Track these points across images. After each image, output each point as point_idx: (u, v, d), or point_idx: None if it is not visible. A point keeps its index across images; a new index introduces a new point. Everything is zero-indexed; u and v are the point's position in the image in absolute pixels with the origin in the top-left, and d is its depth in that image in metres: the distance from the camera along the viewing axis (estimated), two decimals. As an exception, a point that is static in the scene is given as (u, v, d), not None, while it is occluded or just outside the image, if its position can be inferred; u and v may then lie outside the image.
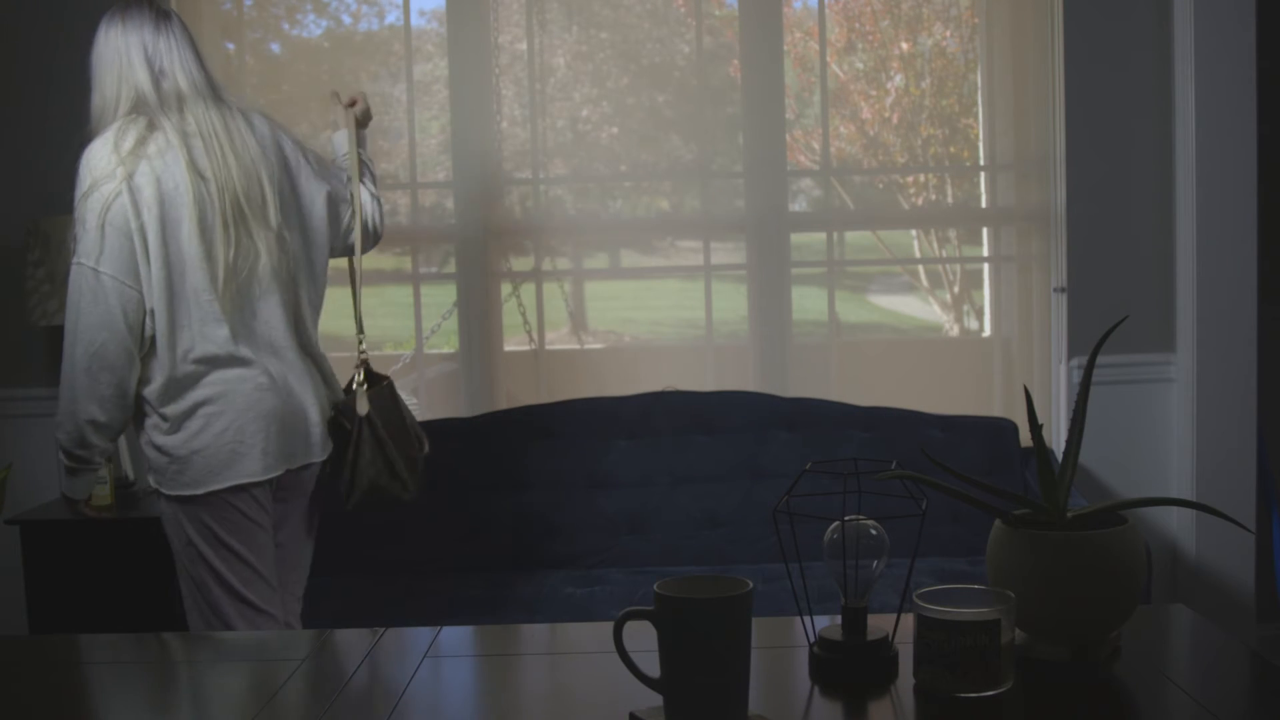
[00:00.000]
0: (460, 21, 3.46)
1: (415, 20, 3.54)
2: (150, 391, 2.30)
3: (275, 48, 3.64)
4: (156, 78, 2.34)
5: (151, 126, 2.29)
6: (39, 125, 3.35)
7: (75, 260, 2.24)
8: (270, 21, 3.61)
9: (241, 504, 2.35)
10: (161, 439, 2.31)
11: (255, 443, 2.32)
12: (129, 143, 2.27)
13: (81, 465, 2.33)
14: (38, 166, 3.35)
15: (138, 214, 2.24)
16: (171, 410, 2.29)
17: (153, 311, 2.26)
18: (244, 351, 2.32)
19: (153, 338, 2.28)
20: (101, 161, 2.26)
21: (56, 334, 3.36)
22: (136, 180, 2.25)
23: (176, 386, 2.29)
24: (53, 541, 3.07)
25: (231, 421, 2.30)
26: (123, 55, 2.33)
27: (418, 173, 3.54)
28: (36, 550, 3.06)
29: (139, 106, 2.32)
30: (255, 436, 2.32)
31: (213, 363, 2.30)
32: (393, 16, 3.59)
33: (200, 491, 2.30)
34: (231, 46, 3.54)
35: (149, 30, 2.35)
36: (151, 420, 2.32)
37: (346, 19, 3.63)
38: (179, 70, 2.36)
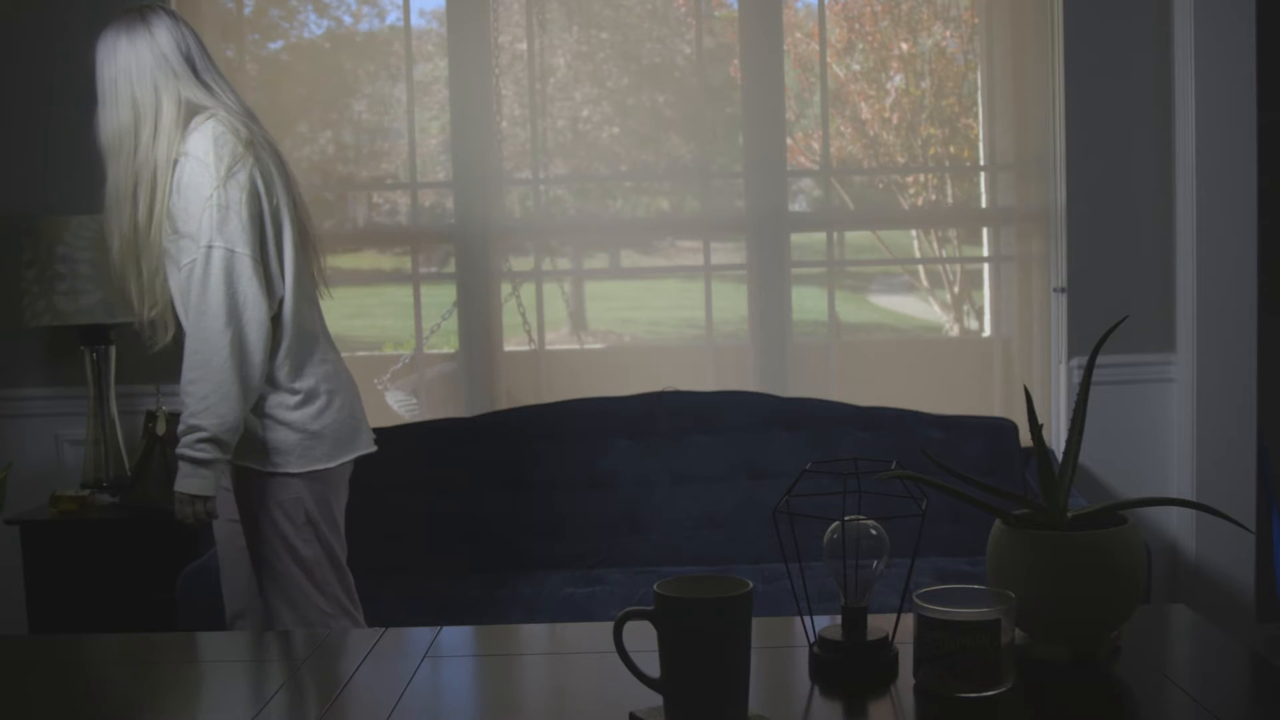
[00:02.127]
0: (460, 21, 3.46)
1: (415, 20, 3.54)
2: (280, 370, 2.34)
3: (275, 47, 3.64)
4: (203, 79, 2.35)
5: (243, 119, 2.34)
6: (36, 127, 3.35)
7: (213, 244, 2.23)
8: (271, 22, 3.61)
9: (348, 479, 2.46)
10: (292, 415, 2.34)
11: (362, 417, 2.47)
12: (244, 131, 2.30)
13: (225, 453, 2.29)
14: (34, 168, 3.35)
15: (271, 196, 2.30)
16: (301, 385, 2.35)
17: (282, 298, 2.33)
18: (328, 333, 2.49)
19: (276, 317, 2.33)
20: (229, 146, 2.26)
21: (50, 334, 3.36)
22: (262, 166, 2.29)
23: (302, 365, 2.36)
24: (53, 541, 3.07)
25: (346, 397, 2.42)
26: (159, 61, 2.31)
27: (418, 173, 3.54)
28: (36, 550, 3.07)
29: (194, 109, 2.31)
30: (360, 411, 2.47)
31: (325, 343, 2.43)
32: (393, 16, 3.59)
33: (334, 464, 2.38)
34: (231, 49, 3.54)
35: (176, 33, 2.34)
36: (278, 398, 2.33)
37: (347, 19, 3.63)
38: (214, 72, 2.39)
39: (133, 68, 2.30)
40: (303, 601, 2.39)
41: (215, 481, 2.30)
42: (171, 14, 2.37)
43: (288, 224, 2.33)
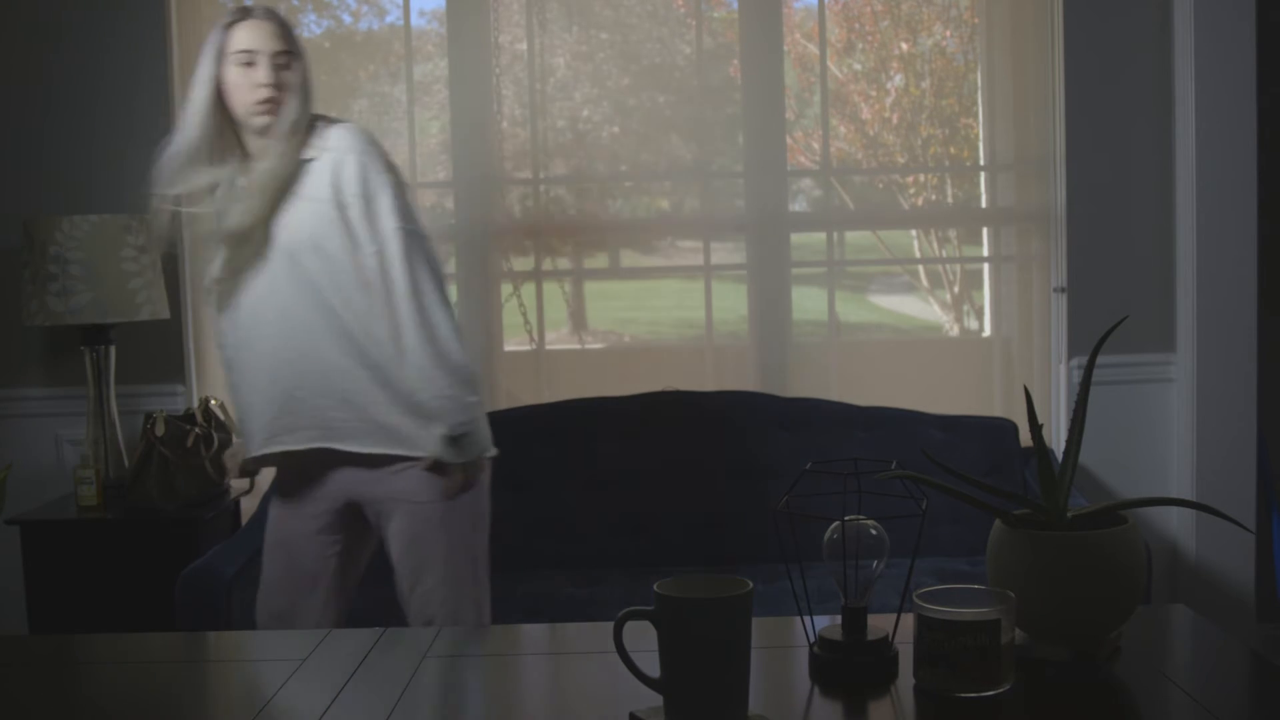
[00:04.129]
0: (460, 21, 3.46)
1: (415, 20, 3.54)
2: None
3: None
4: None
5: None
6: (36, 127, 3.34)
7: (411, 226, 2.26)
8: (270, 21, 3.60)
9: None
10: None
11: None
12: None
13: (480, 408, 2.29)
14: (35, 167, 3.35)
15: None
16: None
17: None
18: None
19: None
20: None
21: (50, 334, 3.36)
22: None
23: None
24: (53, 541, 3.07)
25: None
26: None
27: (418, 173, 3.54)
28: (36, 550, 3.06)
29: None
30: None
31: None
32: (393, 16, 3.59)
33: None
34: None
35: None
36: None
37: (347, 18, 3.63)
38: None
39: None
40: (480, 596, 2.33)
41: (483, 435, 2.29)
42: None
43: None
